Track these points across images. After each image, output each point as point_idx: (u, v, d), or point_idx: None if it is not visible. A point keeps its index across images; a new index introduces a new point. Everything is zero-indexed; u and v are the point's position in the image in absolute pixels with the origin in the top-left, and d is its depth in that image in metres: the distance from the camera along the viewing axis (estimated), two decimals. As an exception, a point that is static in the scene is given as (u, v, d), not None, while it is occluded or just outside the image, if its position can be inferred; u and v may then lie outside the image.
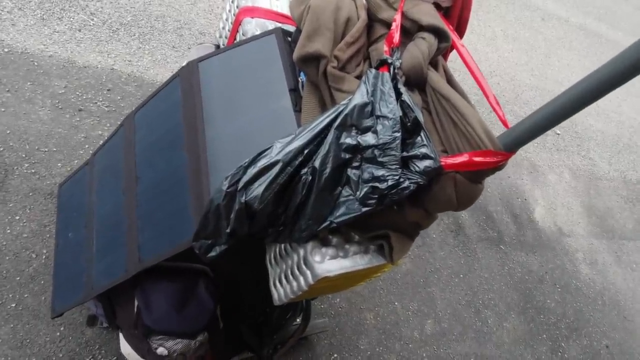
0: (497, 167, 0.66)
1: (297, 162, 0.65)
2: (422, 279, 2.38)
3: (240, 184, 0.66)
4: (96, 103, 2.10)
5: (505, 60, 3.91)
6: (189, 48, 2.55)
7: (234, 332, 1.42)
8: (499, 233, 2.84)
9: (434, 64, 0.80)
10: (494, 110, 0.69)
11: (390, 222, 0.73)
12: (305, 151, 0.65)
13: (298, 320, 1.49)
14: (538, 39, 4.39)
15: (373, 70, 0.70)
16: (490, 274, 2.63)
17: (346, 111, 0.66)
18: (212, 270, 1.25)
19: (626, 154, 4.11)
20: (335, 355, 1.95)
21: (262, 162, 0.66)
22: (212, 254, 0.74)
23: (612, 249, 3.30)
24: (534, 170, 3.37)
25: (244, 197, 0.65)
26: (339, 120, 0.66)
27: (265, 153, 0.67)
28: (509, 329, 2.46)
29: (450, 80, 0.79)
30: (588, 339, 2.69)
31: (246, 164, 0.67)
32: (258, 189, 0.65)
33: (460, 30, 0.88)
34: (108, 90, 2.16)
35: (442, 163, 0.67)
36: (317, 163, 0.65)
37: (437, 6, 0.83)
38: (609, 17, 5.46)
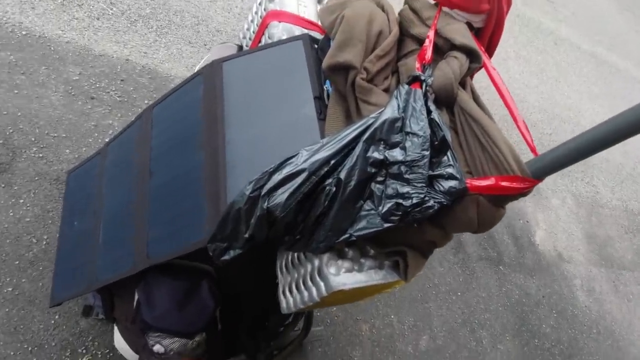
0: (523, 193, 0.66)
1: (322, 172, 0.64)
2: (420, 293, 2.37)
3: (264, 190, 0.65)
4: (109, 92, 2.10)
5: (515, 81, 3.93)
6: (205, 45, 2.55)
7: (230, 335, 1.40)
8: (498, 253, 2.83)
9: (462, 83, 0.80)
10: (523, 135, 0.69)
11: (408, 239, 0.72)
12: (332, 162, 0.64)
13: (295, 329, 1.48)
14: (549, 63, 4.42)
15: (406, 86, 0.70)
16: (488, 294, 2.62)
17: (376, 125, 0.66)
18: (216, 272, 1.24)
19: (629, 184, 4.12)
20: (329, 365, 1.93)
21: (287, 169, 0.65)
22: (226, 257, 0.73)
23: (610, 278, 3.30)
24: (538, 193, 3.37)
25: (266, 204, 0.65)
26: (368, 134, 0.65)
27: (291, 160, 0.66)
28: (503, 351, 2.45)
29: (476, 101, 0.79)
30: (581, 367, 2.68)
31: (271, 169, 0.66)
32: (281, 196, 0.64)
33: (490, 52, 0.88)
34: (122, 80, 2.16)
35: (468, 184, 0.66)
36: (342, 175, 0.64)
37: (470, 26, 0.83)
38: (619, 46, 5.51)
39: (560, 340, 2.71)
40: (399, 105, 0.66)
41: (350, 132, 0.66)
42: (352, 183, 0.64)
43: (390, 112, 0.66)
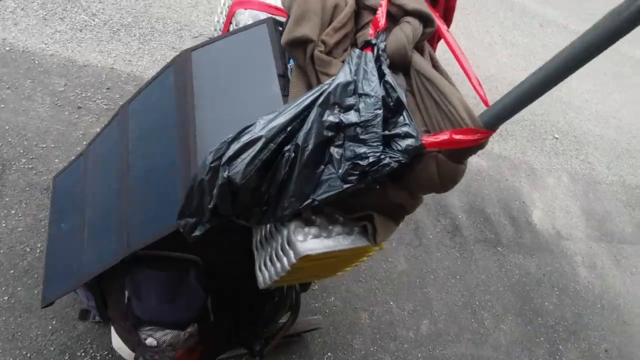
0: (477, 145, 0.67)
1: (280, 139, 0.66)
2: (418, 279, 2.37)
3: (224, 159, 0.67)
4: (95, 101, 2.13)
5: (503, 65, 3.94)
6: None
7: (225, 326, 1.41)
8: (496, 235, 2.83)
9: (420, 49, 0.81)
10: (476, 90, 0.70)
11: (375, 203, 0.74)
12: (289, 128, 0.66)
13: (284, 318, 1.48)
14: (536, 45, 4.43)
15: (357, 50, 0.71)
16: (487, 276, 2.62)
17: (329, 89, 0.67)
18: (202, 260, 1.25)
19: (625, 159, 4.11)
20: (330, 354, 1.94)
21: (245, 138, 0.67)
22: (196, 233, 0.74)
23: (611, 253, 3.29)
24: (532, 173, 3.37)
25: (227, 172, 0.66)
26: (322, 99, 0.67)
27: (249, 129, 0.68)
28: (506, 331, 2.44)
29: (435, 66, 0.80)
30: (587, 343, 2.66)
31: (230, 139, 0.68)
32: (241, 164, 0.66)
33: (448, 18, 0.89)
34: (107, 88, 2.19)
35: (424, 141, 0.68)
36: (299, 140, 0.66)
37: (423, -6, 0.84)
38: (606, 24, 5.50)
39: (564, 317, 2.70)
40: (350, 69, 0.68)
41: (306, 99, 0.68)
42: (310, 147, 0.66)
43: (342, 76, 0.68)
